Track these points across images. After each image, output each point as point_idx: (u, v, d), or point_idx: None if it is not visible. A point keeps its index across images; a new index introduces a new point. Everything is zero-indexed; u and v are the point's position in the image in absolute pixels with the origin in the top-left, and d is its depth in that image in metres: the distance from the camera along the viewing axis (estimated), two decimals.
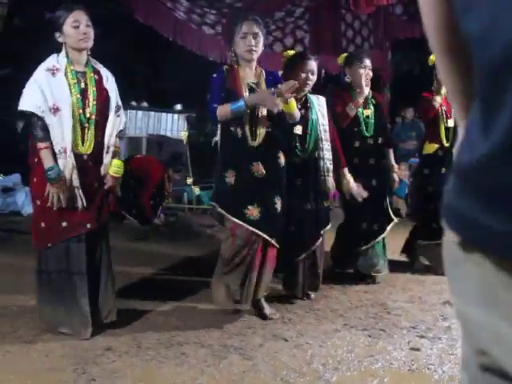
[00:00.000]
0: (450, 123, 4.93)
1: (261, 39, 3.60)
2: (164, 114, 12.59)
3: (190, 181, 8.33)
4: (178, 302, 3.98)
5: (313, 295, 4.19)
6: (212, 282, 3.73)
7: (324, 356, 3.03)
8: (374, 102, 4.72)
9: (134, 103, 12.11)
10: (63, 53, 3.20)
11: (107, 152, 3.30)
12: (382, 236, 4.69)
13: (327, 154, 4.15)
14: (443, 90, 4.90)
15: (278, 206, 3.64)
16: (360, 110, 4.62)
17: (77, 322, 3.21)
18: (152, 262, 5.25)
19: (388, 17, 8.18)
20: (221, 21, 7.21)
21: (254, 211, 3.53)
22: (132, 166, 7.20)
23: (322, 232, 4.16)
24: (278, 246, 3.67)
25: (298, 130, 4.06)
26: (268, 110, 3.59)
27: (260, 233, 3.55)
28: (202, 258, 5.35)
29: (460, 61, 0.89)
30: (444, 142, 4.96)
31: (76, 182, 3.16)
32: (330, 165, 4.16)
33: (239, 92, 3.56)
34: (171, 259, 5.44)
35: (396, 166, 4.97)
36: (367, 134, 4.64)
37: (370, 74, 4.62)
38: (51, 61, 3.18)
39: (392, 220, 4.76)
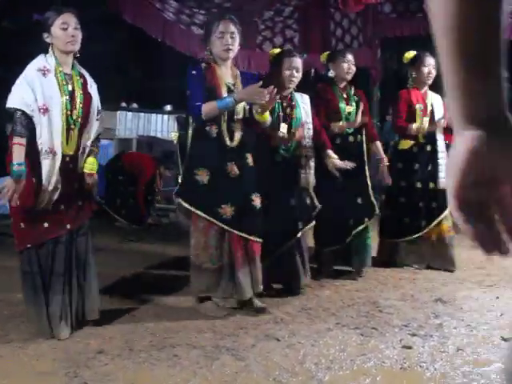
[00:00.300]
0: (426, 121, 5.01)
1: (237, 38, 3.64)
2: (154, 115, 12.59)
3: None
4: (169, 303, 3.97)
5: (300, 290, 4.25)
6: (196, 300, 3.81)
7: (316, 355, 3.03)
8: (355, 98, 4.76)
9: (123, 104, 12.08)
10: (51, 54, 3.20)
11: (82, 152, 3.32)
12: (360, 227, 4.71)
13: (309, 151, 4.24)
14: (423, 89, 5.03)
15: (256, 202, 3.70)
16: (343, 106, 4.69)
17: (54, 323, 3.21)
18: (143, 262, 5.25)
19: (377, 15, 8.20)
20: None
21: (227, 210, 3.59)
22: (124, 161, 7.17)
23: (302, 228, 4.19)
24: (260, 240, 3.70)
25: (284, 128, 4.12)
26: (244, 112, 3.66)
27: (234, 231, 3.60)
28: None
29: (473, 59, 0.85)
30: (420, 138, 5.04)
31: (59, 184, 3.16)
32: (312, 162, 4.23)
33: (218, 91, 3.60)
34: (162, 260, 5.43)
35: (385, 157, 4.99)
36: (348, 131, 4.69)
37: (353, 68, 4.70)
38: (41, 61, 3.17)
39: (374, 212, 4.84)
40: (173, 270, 5.05)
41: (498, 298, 4.18)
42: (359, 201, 4.75)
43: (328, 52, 4.96)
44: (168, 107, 12.49)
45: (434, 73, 4.96)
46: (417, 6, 7.77)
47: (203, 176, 3.59)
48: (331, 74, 4.74)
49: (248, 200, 3.67)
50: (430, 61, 4.96)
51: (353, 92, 4.77)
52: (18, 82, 3.11)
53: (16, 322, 3.46)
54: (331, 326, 3.53)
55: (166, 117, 12.56)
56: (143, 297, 4.08)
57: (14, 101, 3.08)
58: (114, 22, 8.93)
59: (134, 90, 12.53)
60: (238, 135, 3.66)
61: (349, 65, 4.67)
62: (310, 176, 4.22)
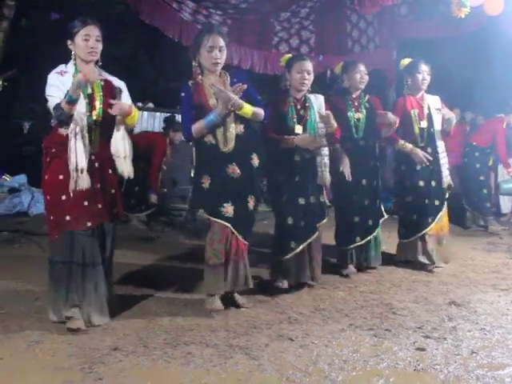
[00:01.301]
0: (423, 124, 5.21)
1: (225, 51, 3.78)
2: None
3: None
4: (183, 302, 3.99)
5: (312, 283, 4.41)
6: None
7: (330, 356, 3.04)
8: (367, 105, 5.02)
9: (139, 104, 12.11)
10: (72, 61, 3.46)
11: (118, 130, 3.56)
12: (377, 231, 5.07)
13: (324, 149, 4.41)
14: (419, 94, 5.26)
15: (251, 204, 3.84)
16: (351, 114, 4.95)
17: (69, 310, 3.37)
18: (157, 261, 5.27)
19: (393, 17, 8.16)
20: (226, 22, 7.21)
21: (229, 209, 3.74)
22: (138, 144, 7.05)
23: (317, 225, 4.37)
24: (246, 243, 3.86)
25: (299, 129, 4.30)
26: (235, 114, 3.75)
27: (233, 230, 3.76)
28: None
29: None
30: (418, 141, 5.21)
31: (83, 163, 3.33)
32: (327, 160, 4.41)
33: (207, 106, 3.73)
34: (176, 259, 5.45)
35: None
36: (356, 137, 4.93)
37: (366, 77, 4.98)
38: (60, 67, 3.45)
39: (383, 216, 5.12)
40: (187, 269, 5.07)
41: None
42: (375, 203, 5.06)
43: (341, 64, 5.19)
44: None
45: (428, 79, 5.19)
46: (433, 8, 7.74)
47: (206, 182, 3.76)
48: (346, 84, 5.02)
49: (245, 201, 3.80)
50: (424, 67, 5.18)
51: (366, 99, 5.04)
52: (46, 88, 3.37)
53: (32, 319, 3.50)
54: (344, 326, 3.53)
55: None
56: (158, 295, 4.10)
57: (50, 103, 3.32)
58: (130, 22, 8.99)
59: (149, 90, 12.55)
60: (232, 138, 3.76)
61: (361, 75, 4.95)
62: (326, 174, 4.41)
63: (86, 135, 3.36)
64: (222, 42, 3.76)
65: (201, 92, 3.77)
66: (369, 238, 5.00)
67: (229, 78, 3.86)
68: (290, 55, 4.60)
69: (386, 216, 5.15)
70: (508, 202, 8.52)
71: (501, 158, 7.68)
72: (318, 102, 4.42)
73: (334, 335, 3.36)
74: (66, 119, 3.30)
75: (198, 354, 3.00)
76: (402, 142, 5.16)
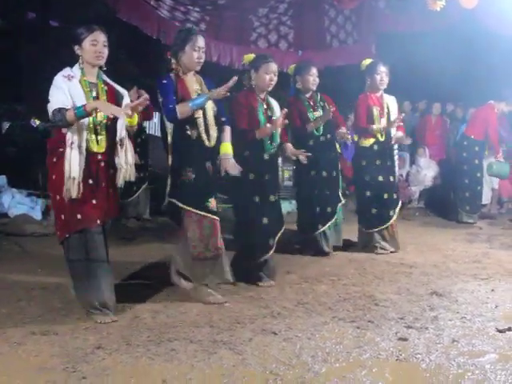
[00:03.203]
0: (383, 121, 5.54)
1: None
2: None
3: None
4: (166, 299, 3.99)
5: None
6: (191, 290, 4.00)
7: (313, 348, 3.06)
8: (322, 104, 5.34)
9: None
10: (77, 65, 3.57)
11: (121, 145, 3.59)
12: (336, 216, 5.43)
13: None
14: (379, 93, 5.59)
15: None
16: (310, 114, 5.30)
17: (103, 304, 3.53)
18: (139, 258, 5.25)
19: (371, 11, 8.20)
20: (204, 18, 7.23)
21: (213, 203, 3.95)
22: None
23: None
24: None
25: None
26: (213, 113, 3.96)
27: (218, 220, 3.94)
28: None
29: None
30: (379, 137, 5.53)
31: (81, 177, 3.43)
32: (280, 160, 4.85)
33: (189, 99, 3.85)
34: (159, 256, 5.44)
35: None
36: (317, 134, 5.29)
37: (317, 80, 5.30)
38: (66, 70, 3.55)
39: (340, 201, 5.49)
40: (169, 267, 5.05)
41: (492, 290, 4.22)
42: (335, 192, 5.43)
43: (294, 65, 5.51)
44: None
45: (386, 79, 5.51)
46: (410, 2, 7.79)
47: (189, 175, 3.88)
48: (298, 85, 5.33)
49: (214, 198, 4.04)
50: (382, 68, 5.50)
51: (319, 98, 5.39)
52: (51, 90, 3.45)
53: (14, 321, 3.48)
54: (328, 319, 3.56)
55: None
56: (141, 293, 4.09)
57: (54, 104, 3.40)
58: (109, 20, 8.91)
59: (131, 88, 12.51)
60: (214, 136, 3.97)
61: (313, 77, 5.27)
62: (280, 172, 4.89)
63: (84, 144, 3.46)
64: (204, 44, 3.94)
65: (184, 88, 3.89)
66: (329, 223, 5.36)
67: (202, 80, 4.02)
68: (253, 55, 4.65)
69: (343, 201, 5.53)
70: (488, 192, 8.58)
71: (493, 143, 7.54)
72: (275, 103, 4.61)
73: (317, 328, 3.38)
74: (64, 126, 3.41)
75: (182, 351, 3.01)
76: (374, 126, 5.47)
